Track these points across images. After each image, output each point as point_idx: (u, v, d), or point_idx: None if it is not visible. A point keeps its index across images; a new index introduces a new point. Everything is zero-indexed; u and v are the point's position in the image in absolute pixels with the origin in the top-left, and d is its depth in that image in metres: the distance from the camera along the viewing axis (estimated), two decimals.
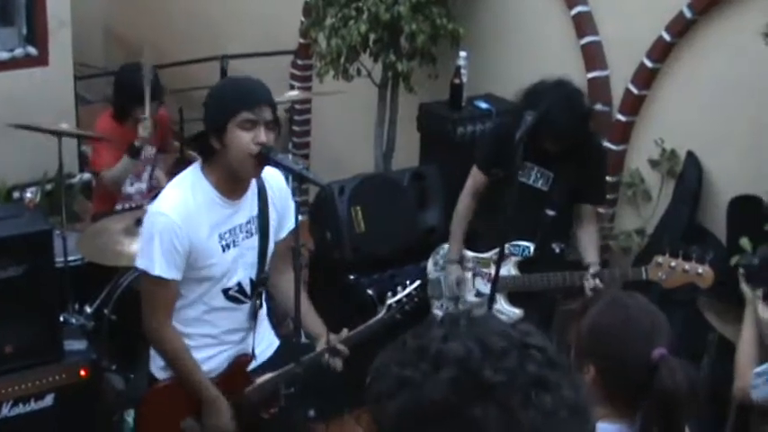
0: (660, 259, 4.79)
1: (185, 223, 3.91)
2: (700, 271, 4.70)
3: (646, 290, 4.48)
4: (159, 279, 3.96)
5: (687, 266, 4.73)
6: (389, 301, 4.38)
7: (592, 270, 5.06)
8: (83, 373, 5.26)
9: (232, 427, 4.27)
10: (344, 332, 4.31)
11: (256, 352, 4.38)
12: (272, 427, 4.38)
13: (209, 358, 4.25)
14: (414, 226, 6.44)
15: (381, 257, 6.25)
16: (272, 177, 4.19)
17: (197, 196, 3.97)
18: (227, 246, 4.05)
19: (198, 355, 4.20)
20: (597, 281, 4.98)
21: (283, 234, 4.29)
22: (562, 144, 5.09)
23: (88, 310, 5.76)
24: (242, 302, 4.22)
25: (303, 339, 4.24)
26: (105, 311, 5.71)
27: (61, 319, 5.46)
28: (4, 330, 5.00)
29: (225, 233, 4.04)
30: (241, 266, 4.14)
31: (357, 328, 4.33)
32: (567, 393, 1.61)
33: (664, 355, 2.66)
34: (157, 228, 3.92)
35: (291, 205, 4.19)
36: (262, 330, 4.44)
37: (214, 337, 4.24)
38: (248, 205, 4.12)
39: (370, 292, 6.04)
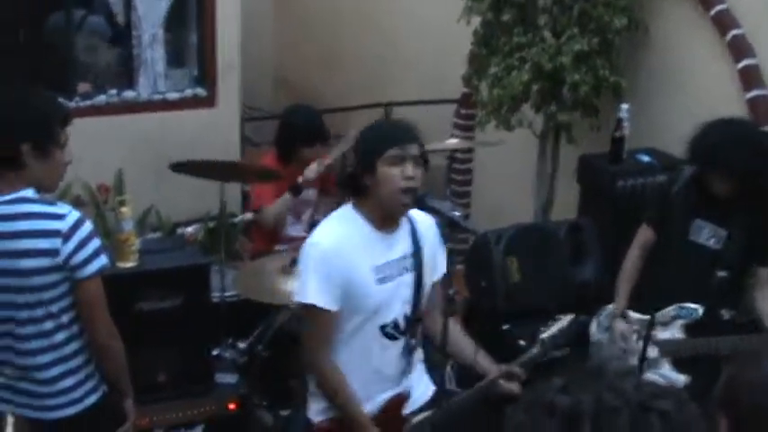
0: None
1: (339, 251, 3.96)
2: None
3: None
4: (314, 308, 3.97)
5: None
6: (542, 336, 4.36)
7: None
8: (232, 406, 5.37)
9: None
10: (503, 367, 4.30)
11: (414, 395, 4.37)
12: None
13: (366, 400, 4.20)
14: (568, 279, 6.36)
15: (535, 308, 6.18)
16: (420, 218, 4.24)
17: (350, 228, 4.04)
18: (383, 279, 4.06)
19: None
20: None
21: (437, 275, 4.29)
22: (737, 182, 4.77)
23: (241, 345, 5.82)
24: (396, 339, 4.20)
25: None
26: (258, 348, 5.78)
27: (214, 352, 5.58)
28: (158, 359, 5.15)
29: (380, 266, 4.06)
30: (397, 302, 4.14)
31: (515, 361, 4.32)
32: None
33: None
34: (311, 258, 3.98)
35: (442, 247, 4.21)
36: (417, 373, 4.42)
37: (370, 375, 4.20)
38: (402, 242, 4.15)
39: (522, 342, 5.99)
